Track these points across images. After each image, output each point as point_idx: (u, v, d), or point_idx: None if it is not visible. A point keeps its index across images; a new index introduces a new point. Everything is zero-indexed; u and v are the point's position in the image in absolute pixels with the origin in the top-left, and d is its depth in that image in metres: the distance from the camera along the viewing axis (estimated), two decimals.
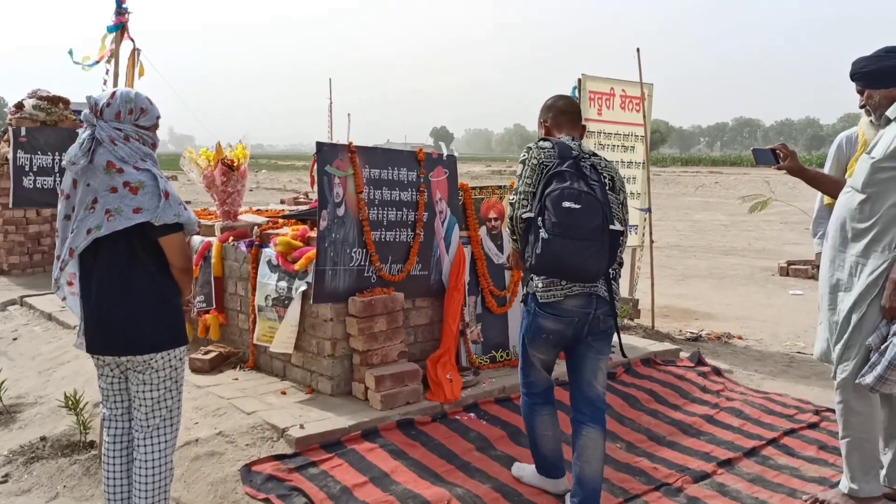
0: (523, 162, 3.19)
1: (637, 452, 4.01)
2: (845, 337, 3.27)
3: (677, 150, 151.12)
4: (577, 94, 6.47)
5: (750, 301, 8.75)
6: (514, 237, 3.25)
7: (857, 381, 3.16)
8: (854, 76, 3.40)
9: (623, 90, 6.84)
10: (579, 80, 6.55)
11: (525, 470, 3.60)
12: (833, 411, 4.70)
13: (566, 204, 2.96)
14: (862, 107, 3.45)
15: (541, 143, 3.24)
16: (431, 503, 3.24)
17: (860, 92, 3.42)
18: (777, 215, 18.10)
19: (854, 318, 3.24)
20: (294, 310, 4.33)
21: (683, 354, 5.70)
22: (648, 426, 4.36)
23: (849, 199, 3.32)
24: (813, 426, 4.46)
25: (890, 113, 3.24)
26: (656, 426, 4.37)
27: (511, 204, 3.20)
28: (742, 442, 4.18)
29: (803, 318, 7.71)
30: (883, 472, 3.46)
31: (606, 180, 3.17)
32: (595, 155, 3.26)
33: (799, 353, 6.35)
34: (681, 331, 6.95)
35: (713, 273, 10.98)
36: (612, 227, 3.02)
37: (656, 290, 7.09)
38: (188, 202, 12.98)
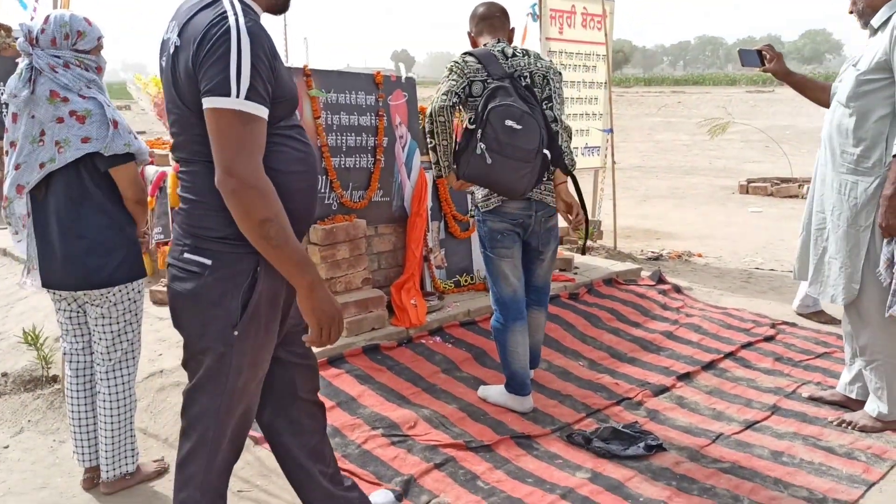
0: (450, 69, 3.27)
1: (599, 369, 4.09)
2: (842, 258, 3.24)
3: (640, 70, 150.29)
4: (537, 12, 6.34)
5: (710, 219, 8.88)
6: (431, 138, 3.26)
7: (886, 314, 3.11)
8: None
9: (584, 7, 6.71)
10: None
11: (491, 390, 3.66)
12: (789, 324, 4.87)
13: (508, 122, 3.05)
14: (850, 13, 3.31)
15: (466, 57, 3.29)
16: (399, 424, 3.30)
17: None
18: (737, 134, 18.21)
19: (851, 238, 3.20)
20: None
21: (645, 273, 5.78)
22: (610, 344, 4.45)
23: (835, 113, 3.24)
24: (769, 339, 4.59)
25: (874, 22, 3.14)
26: (618, 344, 4.46)
27: (434, 101, 3.22)
28: (700, 356, 4.29)
29: (762, 235, 7.85)
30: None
31: (538, 87, 3.27)
32: (526, 54, 3.32)
33: (757, 268, 6.49)
34: (642, 251, 7.04)
35: (675, 193, 11.09)
36: (544, 150, 3.16)
37: (619, 211, 7.15)
38: (142, 132, 12.65)
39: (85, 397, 2.94)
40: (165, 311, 4.41)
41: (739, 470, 3.03)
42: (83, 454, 2.96)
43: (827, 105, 3.45)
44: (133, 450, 2.96)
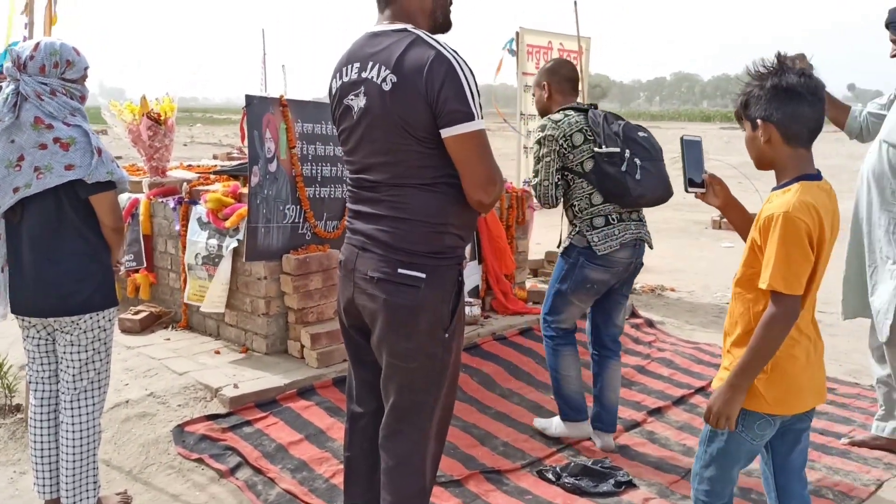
0: (540, 142, 3.38)
1: None
2: (888, 297, 3.22)
3: (618, 105, 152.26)
4: (514, 48, 6.43)
5: (683, 254, 8.96)
6: (548, 203, 3.40)
7: None
8: (890, 25, 3.29)
9: (561, 44, 6.82)
10: (517, 34, 6.50)
11: (550, 423, 3.71)
12: None
13: (641, 133, 3.36)
14: (893, 56, 3.30)
15: (559, 113, 3.43)
16: None
17: (894, 41, 3.30)
18: (711, 170, 18.43)
19: (895, 278, 3.19)
20: (224, 268, 4.24)
21: None
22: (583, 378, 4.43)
23: (882, 152, 3.23)
24: None
25: None
26: (590, 378, 4.45)
27: (536, 186, 3.40)
28: (672, 391, 4.30)
29: (734, 270, 7.91)
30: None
31: None
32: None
33: (728, 304, 6.53)
34: None
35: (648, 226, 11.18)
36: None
37: None
38: (118, 158, 12.56)
39: (48, 427, 2.88)
40: (133, 340, 4.38)
41: None
42: (43, 486, 2.89)
43: (842, 126, 3.49)
44: (95, 482, 2.89)
